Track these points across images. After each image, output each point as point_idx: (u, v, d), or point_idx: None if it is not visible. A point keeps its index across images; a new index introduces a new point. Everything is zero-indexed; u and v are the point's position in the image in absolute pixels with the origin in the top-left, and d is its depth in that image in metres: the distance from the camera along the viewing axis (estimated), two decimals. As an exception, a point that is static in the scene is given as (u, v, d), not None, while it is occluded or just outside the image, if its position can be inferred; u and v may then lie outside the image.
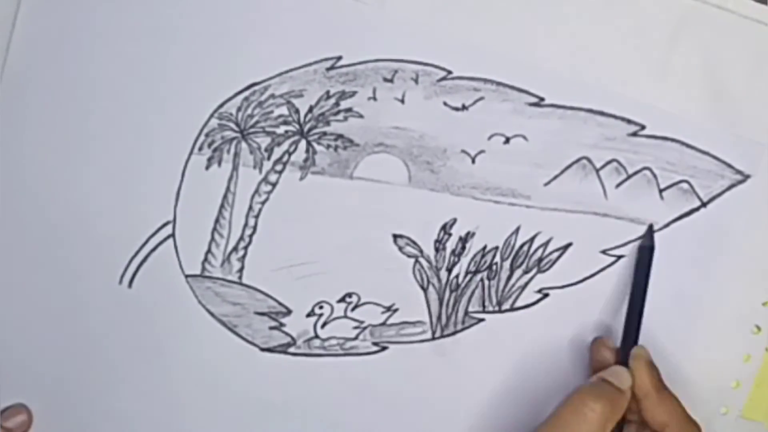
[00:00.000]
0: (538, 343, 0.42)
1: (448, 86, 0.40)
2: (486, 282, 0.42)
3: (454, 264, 0.42)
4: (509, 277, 0.42)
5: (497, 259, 0.42)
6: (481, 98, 0.40)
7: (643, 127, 0.41)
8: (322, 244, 0.41)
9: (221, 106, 0.40)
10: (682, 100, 0.40)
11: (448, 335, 0.42)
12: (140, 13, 0.40)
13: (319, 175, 0.41)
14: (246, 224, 0.41)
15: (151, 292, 0.41)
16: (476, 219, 0.41)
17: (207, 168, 0.41)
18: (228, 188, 0.41)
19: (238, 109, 0.40)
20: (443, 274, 0.42)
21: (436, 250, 0.41)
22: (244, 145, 0.41)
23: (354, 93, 0.40)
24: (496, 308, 0.42)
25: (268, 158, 0.41)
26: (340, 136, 0.41)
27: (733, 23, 0.40)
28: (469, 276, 0.42)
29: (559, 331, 0.41)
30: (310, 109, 0.40)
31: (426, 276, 0.42)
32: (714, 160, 0.41)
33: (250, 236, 0.41)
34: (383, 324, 0.42)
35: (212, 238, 0.41)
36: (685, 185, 0.41)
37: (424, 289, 0.42)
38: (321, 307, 0.42)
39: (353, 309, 0.42)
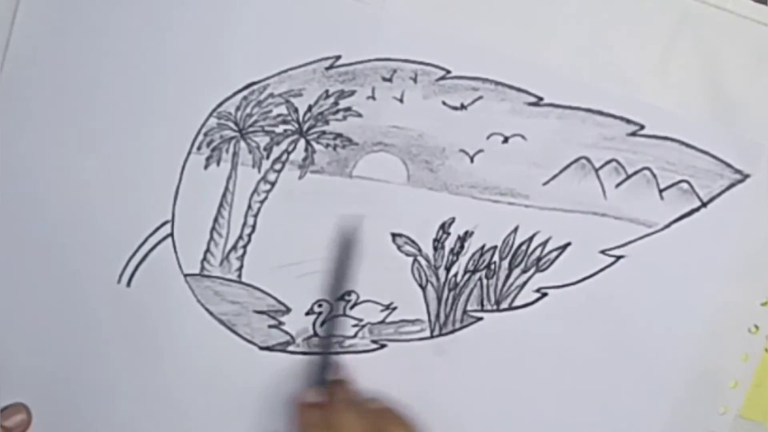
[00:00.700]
0: (537, 342, 0.42)
1: (446, 86, 0.40)
2: (484, 281, 0.42)
3: (453, 263, 0.42)
4: (508, 276, 0.42)
5: (496, 258, 0.42)
6: (480, 98, 0.40)
7: (642, 127, 0.41)
8: (321, 243, 0.41)
9: (220, 105, 0.40)
10: (681, 99, 0.40)
11: (447, 334, 0.42)
12: (139, 13, 0.40)
13: (318, 174, 0.41)
14: (245, 223, 0.41)
15: (150, 291, 0.41)
16: (475, 218, 0.41)
17: (206, 167, 0.41)
18: (227, 187, 0.41)
19: (237, 109, 0.40)
20: (442, 272, 0.42)
21: (435, 248, 0.41)
22: (242, 144, 0.41)
23: (353, 92, 0.40)
24: (495, 307, 0.42)
25: (267, 157, 0.41)
26: (339, 135, 0.41)
27: (733, 23, 0.40)
28: (467, 275, 0.42)
29: (557, 330, 0.41)
30: (309, 108, 0.40)
31: (425, 275, 0.42)
32: (713, 160, 0.41)
33: (249, 235, 0.41)
34: (382, 322, 0.42)
35: (211, 237, 0.41)
36: (684, 185, 0.41)
37: (423, 288, 0.42)
38: (320, 306, 0.42)
39: (352, 307, 0.42)
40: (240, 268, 0.41)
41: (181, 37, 0.40)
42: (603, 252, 0.41)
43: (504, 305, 0.42)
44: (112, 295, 0.41)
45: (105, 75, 0.40)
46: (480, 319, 0.42)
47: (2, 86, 0.40)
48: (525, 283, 0.42)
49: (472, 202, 0.41)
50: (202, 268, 0.41)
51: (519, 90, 0.40)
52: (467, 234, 0.41)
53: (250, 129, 0.40)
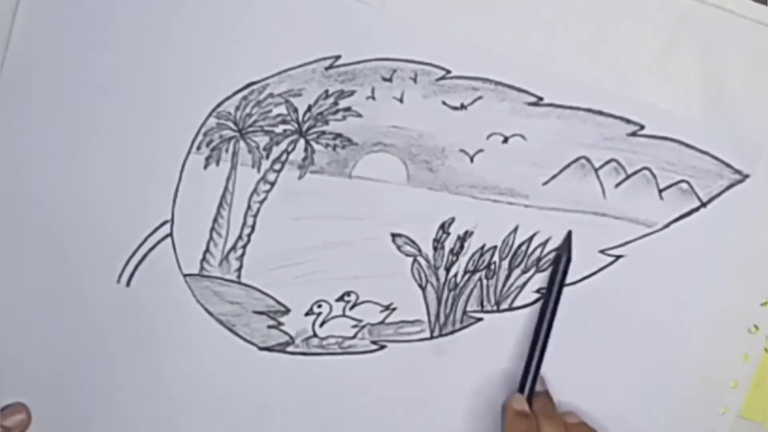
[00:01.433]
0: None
1: (446, 85, 0.40)
2: (484, 281, 0.42)
3: (453, 263, 0.42)
4: (507, 277, 0.42)
5: (495, 258, 0.42)
6: (480, 97, 0.40)
7: (642, 127, 0.41)
8: (320, 244, 0.41)
9: (219, 105, 0.40)
10: (681, 99, 0.40)
11: (447, 334, 0.42)
12: (138, 13, 0.40)
13: (317, 174, 0.41)
14: (244, 223, 0.41)
15: (149, 291, 0.41)
16: (475, 218, 0.41)
17: (205, 167, 0.41)
18: (226, 187, 0.41)
19: (237, 108, 0.40)
20: (441, 273, 0.42)
21: (435, 249, 0.41)
22: (242, 144, 0.41)
23: (353, 92, 0.40)
24: (495, 308, 0.42)
25: (267, 157, 0.41)
26: (338, 135, 0.41)
27: (733, 23, 0.40)
28: (467, 275, 0.42)
29: (556, 330, 0.41)
30: (309, 108, 0.40)
31: (424, 275, 0.42)
32: (713, 160, 0.41)
33: (249, 235, 0.41)
34: (381, 323, 0.42)
35: (210, 238, 0.41)
36: (684, 185, 0.41)
37: (423, 288, 0.42)
38: (319, 306, 0.42)
39: (352, 308, 0.42)
40: (239, 269, 0.41)
41: (181, 37, 0.40)
42: (602, 252, 0.41)
43: (504, 306, 0.42)
44: (111, 294, 0.41)
45: (105, 75, 0.40)
46: (480, 319, 0.42)
47: (2, 86, 0.40)
48: (525, 283, 0.42)
49: (471, 202, 0.41)
50: (202, 268, 0.41)
51: (519, 90, 0.40)
52: (467, 234, 0.41)
53: (250, 129, 0.40)
